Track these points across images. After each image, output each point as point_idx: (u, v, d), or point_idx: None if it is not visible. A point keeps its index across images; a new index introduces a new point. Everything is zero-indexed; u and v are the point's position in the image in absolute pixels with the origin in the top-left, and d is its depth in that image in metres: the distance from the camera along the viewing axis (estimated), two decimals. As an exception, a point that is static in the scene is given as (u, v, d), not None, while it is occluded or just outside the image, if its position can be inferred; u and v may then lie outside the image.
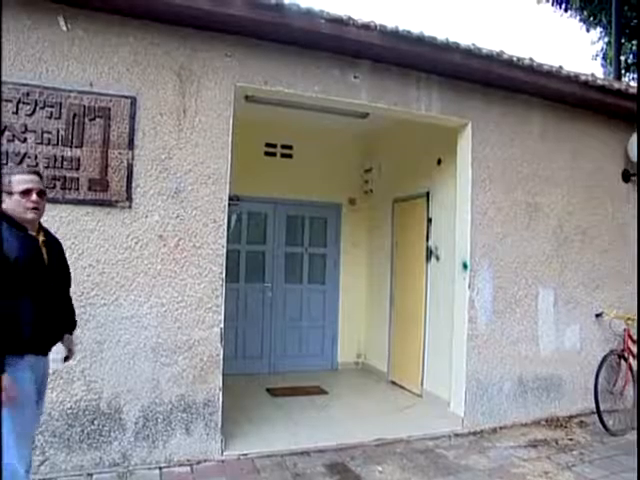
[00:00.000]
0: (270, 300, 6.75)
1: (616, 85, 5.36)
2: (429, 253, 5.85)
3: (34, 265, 2.62)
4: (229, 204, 4.09)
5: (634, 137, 5.54)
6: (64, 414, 3.54)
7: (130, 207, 3.73)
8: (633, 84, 8.84)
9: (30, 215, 2.63)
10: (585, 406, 5.29)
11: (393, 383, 6.44)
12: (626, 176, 5.79)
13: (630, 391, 5.15)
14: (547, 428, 5.00)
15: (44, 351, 2.74)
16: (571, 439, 4.73)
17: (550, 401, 5.25)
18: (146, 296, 3.76)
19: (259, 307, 6.75)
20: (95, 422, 3.62)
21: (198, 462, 3.85)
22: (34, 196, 2.62)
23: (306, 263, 7.08)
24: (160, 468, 3.73)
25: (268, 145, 6.79)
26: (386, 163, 6.87)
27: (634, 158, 5.61)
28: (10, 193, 2.60)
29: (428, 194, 5.90)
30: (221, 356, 3.96)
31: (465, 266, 4.88)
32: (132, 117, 3.74)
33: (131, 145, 3.74)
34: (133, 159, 3.74)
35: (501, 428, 4.91)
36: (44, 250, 2.71)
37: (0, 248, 2.40)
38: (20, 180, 2.63)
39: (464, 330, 4.86)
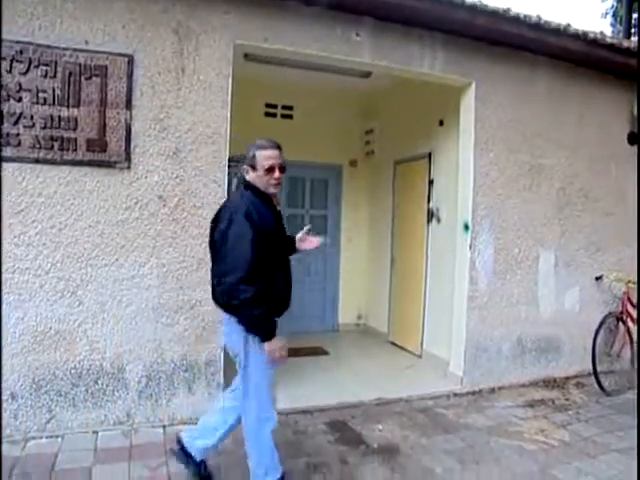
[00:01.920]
0: (271, 262, 6.78)
1: (625, 43, 5.21)
2: (430, 215, 5.82)
3: (281, 235, 2.83)
4: (229, 165, 4.05)
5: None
6: (68, 373, 3.59)
7: (129, 167, 3.69)
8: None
9: (273, 190, 2.78)
10: (582, 367, 5.34)
11: (393, 344, 6.51)
12: (632, 138, 5.70)
13: (627, 353, 5.20)
14: (544, 388, 5.07)
15: (281, 316, 2.87)
16: (567, 399, 4.80)
17: (548, 362, 5.31)
18: (147, 257, 3.75)
19: (261, 269, 6.76)
20: (99, 381, 3.67)
21: (201, 420, 3.92)
22: (277, 173, 2.73)
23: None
24: (164, 426, 3.80)
25: (268, 106, 6.69)
26: (388, 124, 6.78)
27: (640, 119, 5.53)
28: (254, 167, 2.74)
29: (430, 155, 5.84)
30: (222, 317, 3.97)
31: (466, 227, 4.86)
32: (129, 76, 3.66)
33: (129, 105, 3.67)
34: (131, 119, 3.68)
35: (499, 388, 4.98)
36: (282, 219, 2.90)
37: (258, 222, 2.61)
38: (265, 156, 2.72)
39: (465, 291, 4.88)
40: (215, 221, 2.84)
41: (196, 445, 2.97)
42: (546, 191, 5.23)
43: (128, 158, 3.68)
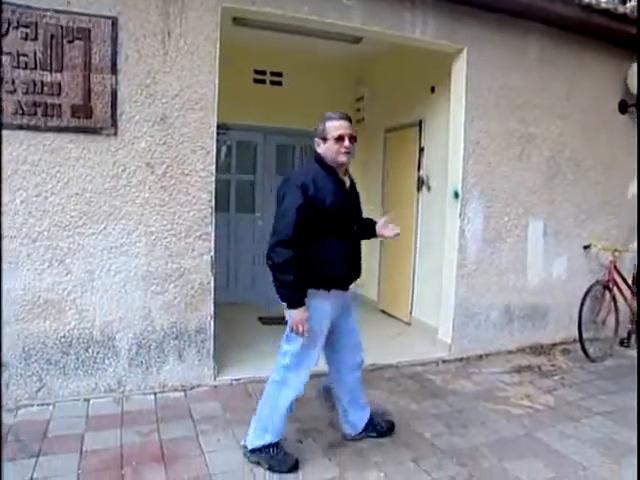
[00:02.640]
0: (260, 230, 6.74)
1: (621, 9, 5.11)
2: (420, 183, 5.80)
3: (343, 209, 2.86)
4: (218, 133, 3.99)
5: (634, 66, 5.39)
6: (58, 342, 3.59)
7: (116, 134, 3.62)
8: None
9: (343, 158, 2.83)
10: (568, 334, 5.43)
11: (383, 312, 6.58)
12: (623, 107, 5.68)
13: (612, 321, 5.29)
14: (531, 355, 5.16)
15: (346, 287, 2.99)
16: (553, 365, 4.89)
17: (535, 329, 5.39)
18: (135, 225, 3.72)
19: (250, 236, 6.76)
20: (89, 350, 3.68)
21: (192, 387, 3.95)
22: (347, 141, 2.80)
23: (296, 193, 7.02)
24: (155, 393, 3.82)
25: (257, 72, 6.57)
26: (378, 91, 6.69)
27: (633, 88, 5.48)
28: (325, 139, 2.83)
29: (421, 123, 5.78)
30: (212, 284, 3.98)
31: (456, 195, 4.85)
32: (114, 39, 3.55)
33: (114, 69, 3.58)
34: (117, 84, 3.59)
35: (487, 355, 5.05)
36: (349, 193, 2.96)
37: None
38: (335, 126, 2.80)
39: (454, 259, 4.90)
40: (280, 187, 2.92)
41: (351, 421, 3.23)
42: (536, 160, 5.21)
43: (114, 124, 3.61)
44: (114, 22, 3.55)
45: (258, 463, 2.92)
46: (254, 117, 6.40)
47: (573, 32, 5.17)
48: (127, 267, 3.72)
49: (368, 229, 3.16)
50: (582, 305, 5.00)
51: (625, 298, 5.43)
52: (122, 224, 3.69)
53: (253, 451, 2.94)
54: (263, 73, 6.60)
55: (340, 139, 2.79)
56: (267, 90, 6.61)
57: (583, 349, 4.98)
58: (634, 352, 5.39)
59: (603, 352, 5.15)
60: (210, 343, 4.01)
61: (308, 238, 2.72)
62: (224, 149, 6.54)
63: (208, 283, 3.96)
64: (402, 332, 5.75)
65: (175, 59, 3.74)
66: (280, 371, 2.94)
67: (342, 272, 2.91)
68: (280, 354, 2.96)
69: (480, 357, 5.01)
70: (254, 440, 2.94)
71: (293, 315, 2.72)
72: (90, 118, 3.54)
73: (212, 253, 3.96)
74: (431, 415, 3.71)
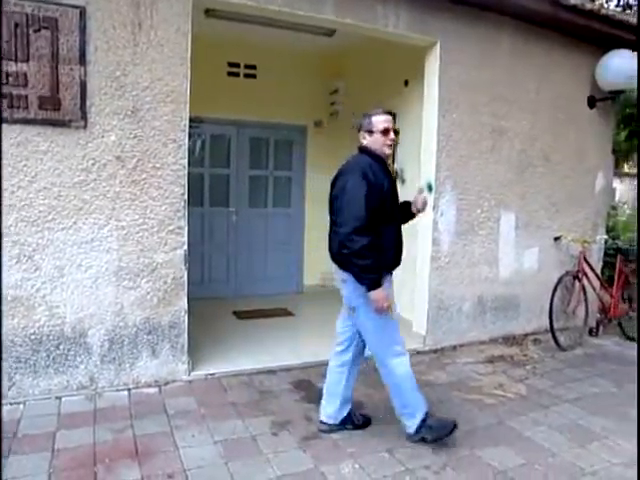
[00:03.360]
0: (235, 224, 6.70)
1: (588, 5, 5.22)
2: (395, 176, 5.81)
3: (394, 196, 3.15)
4: (191, 126, 3.94)
5: (602, 61, 5.49)
6: (27, 340, 3.51)
7: (85, 127, 3.54)
8: (607, 5, 8.68)
9: (388, 150, 3.11)
10: (540, 324, 5.54)
11: (359, 306, 6.57)
12: (591, 102, 5.78)
13: (581, 311, 5.40)
14: (504, 345, 5.25)
15: (392, 271, 3.24)
16: (525, 355, 4.98)
17: (508, 320, 5.48)
18: (106, 219, 3.65)
19: (224, 231, 6.70)
20: (60, 347, 3.61)
21: (166, 383, 3.91)
22: (391, 134, 3.07)
23: (271, 186, 7.00)
24: (128, 390, 3.78)
25: (231, 65, 6.49)
26: (353, 84, 6.69)
27: (602, 84, 5.59)
28: (371, 132, 3.07)
29: (395, 116, 5.76)
30: (185, 279, 3.94)
31: (430, 188, 4.86)
32: (82, 30, 3.46)
33: (83, 60, 3.49)
34: (86, 75, 3.51)
35: (461, 346, 5.12)
36: (394, 182, 3.22)
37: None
38: (381, 120, 3.07)
39: (427, 252, 4.94)
40: (334, 180, 3.12)
41: (328, 412, 3.32)
42: (507, 153, 5.28)
43: (84, 117, 3.53)
44: (82, 12, 3.46)
45: (424, 440, 3.15)
46: (228, 110, 6.35)
47: (543, 27, 5.24)
48: (98, 262, 3.66)
49: (406, 212, 3.33)
50: (553, 295, 5.10)
51: (594, 288, 5.57)
52: (92, 219, 3.62)
53: (417, 432, 3.16)
54: (237, 66, 6.53)
55: (386, 132, 3.05)
56: (241, 83, 6.54)
57: (554, 338, 5.09)
58: (602, 341, 5.54)
59: (573, 341, 5.27)
60: (184, 338, 3.97)
61: (372, 222, 2.89)
62: (198, 143, 6.47)
63: (181, 278, 3.91)
64: (377, 325, 5.77)
65: (146, 51, 3.67)
66: (382, 355, 3.17)
67: (395, 255, 3.19)
68: (369, 345, 3.23)
69: (454, 348, 5.07)
70: (411, 424, 3.16)
71: (373, 297, 2.93)
72: (58, 110, 3.46)
73: (185, 247, 3.91)
74: (406, 406, 3.75)
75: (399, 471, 2.90)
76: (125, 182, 3.69)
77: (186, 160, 3.88)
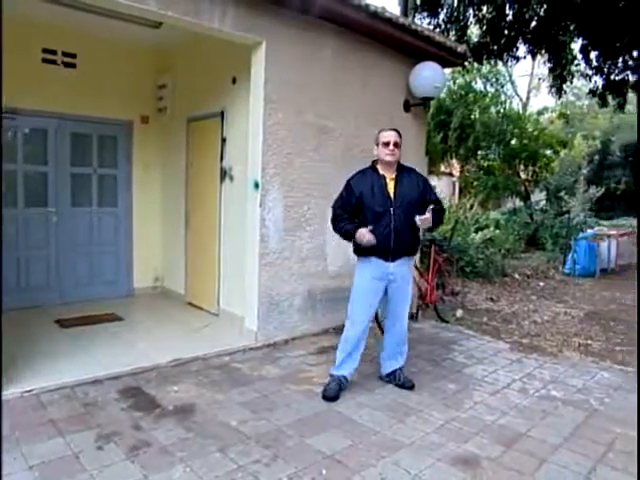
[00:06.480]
0: (56, 226, 6.19)
1: (401, 20, 5.70)
2: (223, 174, 5.81)
3: (372, 196, 3.90)
4: (3, 117, 3.54)
5: (414, 71, 6.00)
6: None
7: None
8: (418, 22, 9.47)
9: (387, 158, 3.94)
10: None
11: (191, 304, 6.49)
12: (407, 106, 6.29)
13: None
14: (334, 336, 5.44)
15: (386, 258, 3.93)
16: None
17: (337, 311, 5.67)
18: None
19: (43, 234, 6.15)
20: None
21: (-28, 405, 3.48)
22: (391, 146, 3.92)
23: (95, 185, 6.58)
24: None
25: (46, 51, 5.94)
26: (181, 80, 6.55)
27: (414, 90, 6.10)
28: (377, 144, 4.00)
29: (223, 113, 5.78)
30: (-6, 287, 3.54)
31: (257, 185, 4.95)
32: None
33: None
34: None
35: (293, 339, 5.26)
36: (391, 185, 3.95)
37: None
38: (383, 136, 3.98)
39: (256, 248, 5.00)
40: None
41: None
42: (332, 151, 5.53)
43: None
44: None
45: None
46: (46, 102, 5.86)
47: (364, 36, 5.58)
48: None
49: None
50: (377, 285, 5.42)
51: (414, 277, 6.03)
52: None
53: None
54: (54, 53, 6.00)
55: (386, 144, 3.91)
56: (60, 72, 6.04)
57: (378, 325, 5.42)
58: (421, 325, 6.06)
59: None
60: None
61: (350, 212, 4.03)
62: (10, 135, 5.86)
63: (-13, 285, 3.52)
64: (210, 323, 5.73)
65: None
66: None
67: (376, 245, 3.86)
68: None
69: (286, 342, 5.19)
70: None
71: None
72: None
73: (-8, 252, 3.52)
74: (237, 403, 3.75)
75: (231, 469, 2.89)
76: None
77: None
